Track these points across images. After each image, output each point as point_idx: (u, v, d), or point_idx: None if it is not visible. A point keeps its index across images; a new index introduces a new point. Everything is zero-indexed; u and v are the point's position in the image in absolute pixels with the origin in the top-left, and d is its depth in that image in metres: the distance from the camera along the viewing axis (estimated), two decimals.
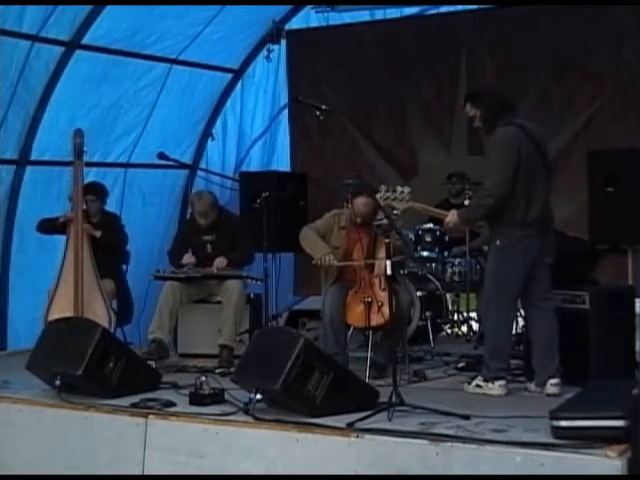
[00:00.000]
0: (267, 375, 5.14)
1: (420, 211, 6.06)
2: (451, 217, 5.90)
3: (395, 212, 6.37)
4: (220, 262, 7.27)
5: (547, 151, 5.90)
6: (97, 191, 7.59)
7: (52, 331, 6.20)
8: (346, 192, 7.06)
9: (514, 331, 7.24)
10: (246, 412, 5.16)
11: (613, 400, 4.58)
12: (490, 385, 5.73)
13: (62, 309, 6.87)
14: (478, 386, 5.78)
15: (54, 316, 6.73)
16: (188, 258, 7.35)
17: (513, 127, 5.71)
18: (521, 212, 5.64)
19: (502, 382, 5.73)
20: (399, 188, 5.86)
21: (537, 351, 5.77)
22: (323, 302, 6.52)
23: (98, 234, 7.23)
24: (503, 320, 5.81)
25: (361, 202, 6.57)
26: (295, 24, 9.68)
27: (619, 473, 4.18)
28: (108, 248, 7.34)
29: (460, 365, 6.77)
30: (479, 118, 5.85)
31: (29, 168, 8.21)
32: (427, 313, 7.68)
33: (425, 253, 8.26)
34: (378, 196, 5.86)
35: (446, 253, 8.33)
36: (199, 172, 9.35)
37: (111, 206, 7.99)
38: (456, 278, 8.31)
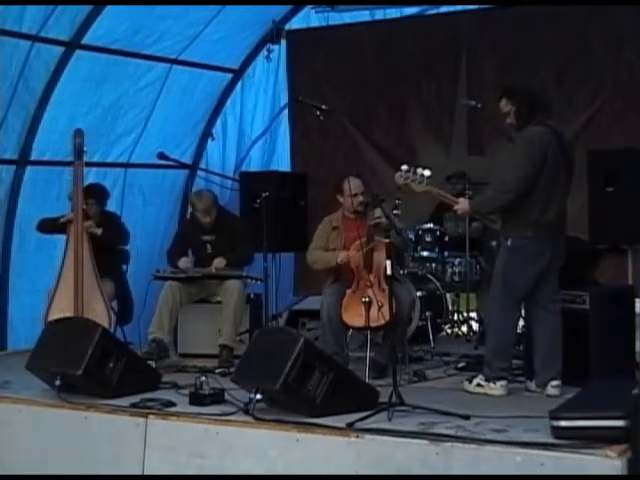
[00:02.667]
0: (267, 375, 5.14)
1: (435, 196, 6.04)
2: (462, 205, 5.90)
3: (395, 212, 6.39)
4: (219, 262, 7.27)
5: (573, 155, 5.88)
6: (97, 195, 7.57)
7: (52, 331, 6.20)
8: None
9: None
10: (246, 412, 5.16)
11: (613, 400, 4.59)
12: (492, 385, 5.72)
13: (62, 309, 6.87)
14: (479, 385, 5.77)
15: (54, 316, 6.73)
16: (184, 263, 7.34)
17: (544, 128, 5.68)
18: (538, 213, 5.62)
19: (504, 382, 5.72)
20: (419, 170, 5.86)
21: (540, 352, 5.76)
22: (321, 302, 6.52)
23: (99, 232, 7.23)
24: (508, 320, 5.80)
25: (350, 178, 6.58)
26: (295, 24, 9.68)
27: (619, 473, 4.18)
28: (109, 245, 7.34)
29: (460, 365, 6.77)
30: (514, 114, 5.76)
31: (29, 168, 8.21)
32: (427, 313, 7.68)
33: (425, 253, 8.25)
34: (398, 175, 5.87)
35: (446, 253, 8.33)
36: (199, 172, 9.35)
37: (111, 206, 7.98)
38: (456, 278, 8.30)
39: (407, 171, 5.85)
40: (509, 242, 5.71)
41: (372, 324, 6.23)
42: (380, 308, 6.11)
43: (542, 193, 5.63)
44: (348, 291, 6.46)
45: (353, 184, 6.62)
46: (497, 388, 5.71)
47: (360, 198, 6.60)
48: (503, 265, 5.76)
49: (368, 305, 6.20)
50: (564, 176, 5.77)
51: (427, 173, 5.85)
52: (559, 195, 5.73)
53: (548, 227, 5.66)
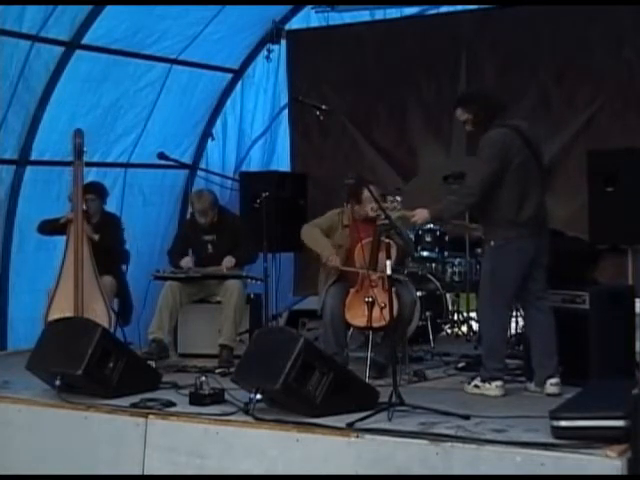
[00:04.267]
0: (267, 375, 5.14)
1: (409, 217, 5.95)
2: (419, 215, 5.84)
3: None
4: (228, 261, 7.26)
5: (541, 151, 5.90)
6: (97, 190, 7.60)
7: (52, 331, 6.20)
8: (346, 193, 7.04)
9: (514, 331, 7.27)
10: (246, 412, 5.16)
11: (613, 400, 4.59)
12: (487, 385, 5.73)
13: (62, 309, 6.86)
14: (476, 386, 5.79)
15: (54, 316, 6.73)
16: (186, 262, 7.34)
17: (506, 129, 5.71)
18: (514, 212, 5.65)
19: (499, 382, 5.73)
20: (390, 198, 5.91)
21: (535, 351, 5.78)
22: (324, 302, 6.52)
23: (96, 238, 7.22)
24: (498, 320, 5.82)
25: (372, 188, 6.30)
26: (295, 24, 9.68)
27: (619, 473, 4.18)
28: (106, 250, 7.33)
29: (460, 365, 6.77)
30: (470, 122, 5.84)
31: (29, 168, 8.21)
32: (427, 313, 7.67)
33: (425, 253, 8.26)
34: (369, 207, 5.90)
35: (446, 253, 8.33)
36: (199, 172, 9.34)
37: (111, 206, 7.99)
38: (456, 278, 8.31)
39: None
40: (492, 243, 5.75)
41: (374, 324, 6.24)
42: (382, 308, 6.11)
43: (513, 193, 5.65)
44: (352, 290, 6.47)
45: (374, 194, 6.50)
46: (492, 388, 5.71)
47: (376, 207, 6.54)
48: (489, 267, 5.80)
49: (371, 305, 6.21)
50: (536, 173, 5.78)
51: (399, 199, 5.87)
52: (534, 193, 5.73)
53: (527, 225, 5.68)
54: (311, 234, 6.76)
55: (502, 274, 5.70)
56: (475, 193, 5.68)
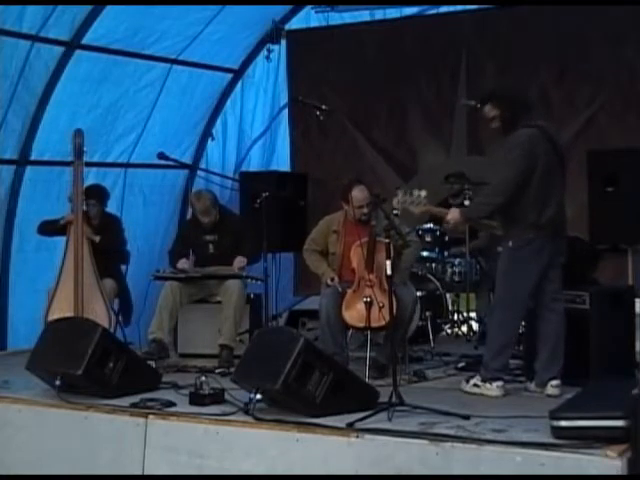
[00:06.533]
0: (267, 375, 5.14)
1: (436, 213, 6.03)
2: (452, 215, 5.86)
3: (395, 212, 6.39)
4: (240, 262, 7.25)
5: (563, 153, 5.88)
6: (98, 195, 7.58)
7: (52, 331, 6.19)
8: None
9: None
10: (246, 412, 5.16)
11: (613, 400, 4.59)
12: (488, 386, 5.72)
13: (62, 309, 6.87)
14: (476, 385, 5.77)
15: (54, 316, 6.73)
16: (182, 264, 7.33)
17: (533, 129, 5.68)
18: (536, 214, 5.61)
19: (500, 383, 5.71)
20: (415, 192, 5.84)
21: (542, 352, 5.73)
22: (320, 302, 6.53)
23: (97, 239, 7.23)
24: (510, 321, 5.77)
25: (358, 189, 6.57)
26: (295, 24, 9.69)
27: (619, 473, 4.18)
28: (107, 251, 7.33)
29: (460, 365, 6.77)
30: (498, 119, 5.77)
31: (29, 168, 8.21)
32: (427, 313, 7.67)
33: (425, 253, 8.25)
34: (395, 200, 5.85)
35: (446, 253, 8.33)
36: (199, 172, 9.35)
37: (111, 206, 7.98)
38: (456, 278, 8.30)
39: (404, 194, 5.84)
40: (510, 244, 5.70)
41: (373, 324, 6.23)
42: (381, 308, 6.11)
43: (538, 194, 5.62)
44: (349, 291, 6.47)
45: (360, 196, 6.57)
46: (493, 389, 5.70)
47: (365, 210, 6.58)
48: (506, 267, 5.74)
49: (369, 305, 6.21)
50: (558, 175, 5.77)
51: (424, 193, 5.84)
52: (556, 195, 5.72)
53: (547, 227, 5.64)
54: (309, 259, 6.87)
55: (518, 276, 5.66)
56: (502, 193, 5.61)
